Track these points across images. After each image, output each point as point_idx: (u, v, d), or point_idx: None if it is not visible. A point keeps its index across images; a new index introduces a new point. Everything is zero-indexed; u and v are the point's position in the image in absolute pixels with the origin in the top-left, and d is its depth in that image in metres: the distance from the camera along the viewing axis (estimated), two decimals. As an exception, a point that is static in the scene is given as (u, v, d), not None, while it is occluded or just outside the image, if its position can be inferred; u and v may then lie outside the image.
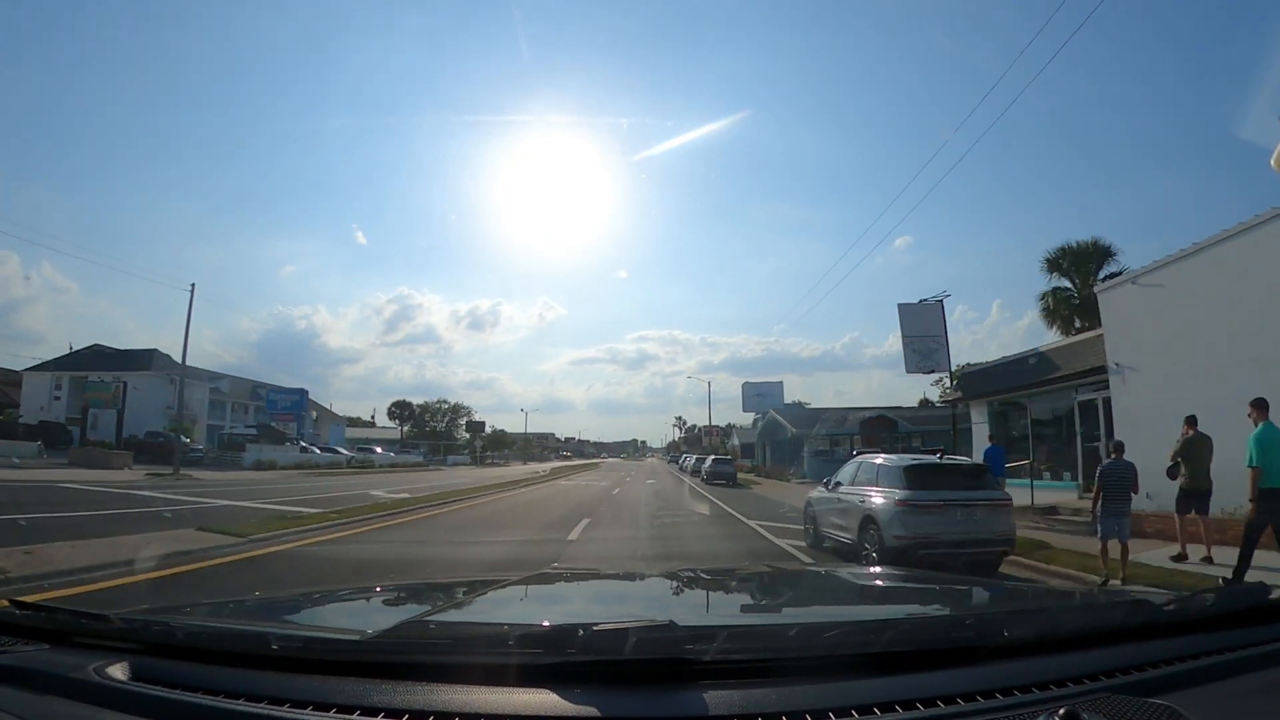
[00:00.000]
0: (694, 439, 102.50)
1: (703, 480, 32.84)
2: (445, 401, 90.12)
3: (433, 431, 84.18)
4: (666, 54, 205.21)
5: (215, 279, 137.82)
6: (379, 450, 53.58)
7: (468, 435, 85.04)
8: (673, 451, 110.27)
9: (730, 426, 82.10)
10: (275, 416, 48.14)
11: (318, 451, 43.24)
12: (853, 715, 0.99)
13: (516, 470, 49.48)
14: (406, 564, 8.15)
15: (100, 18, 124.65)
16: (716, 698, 1.02)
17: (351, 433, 73.69)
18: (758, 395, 52.22)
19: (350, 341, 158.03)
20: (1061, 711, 0.91)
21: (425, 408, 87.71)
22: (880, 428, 34.58)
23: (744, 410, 54.82)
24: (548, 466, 57.97)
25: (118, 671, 1.15)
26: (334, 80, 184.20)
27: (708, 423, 71.50)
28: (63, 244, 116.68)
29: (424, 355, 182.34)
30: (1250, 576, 5.97)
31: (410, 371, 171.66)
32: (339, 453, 46.22)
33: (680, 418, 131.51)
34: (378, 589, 2.54)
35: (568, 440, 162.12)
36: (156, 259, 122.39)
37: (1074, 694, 1.06)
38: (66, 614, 1.35)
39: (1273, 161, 10.08)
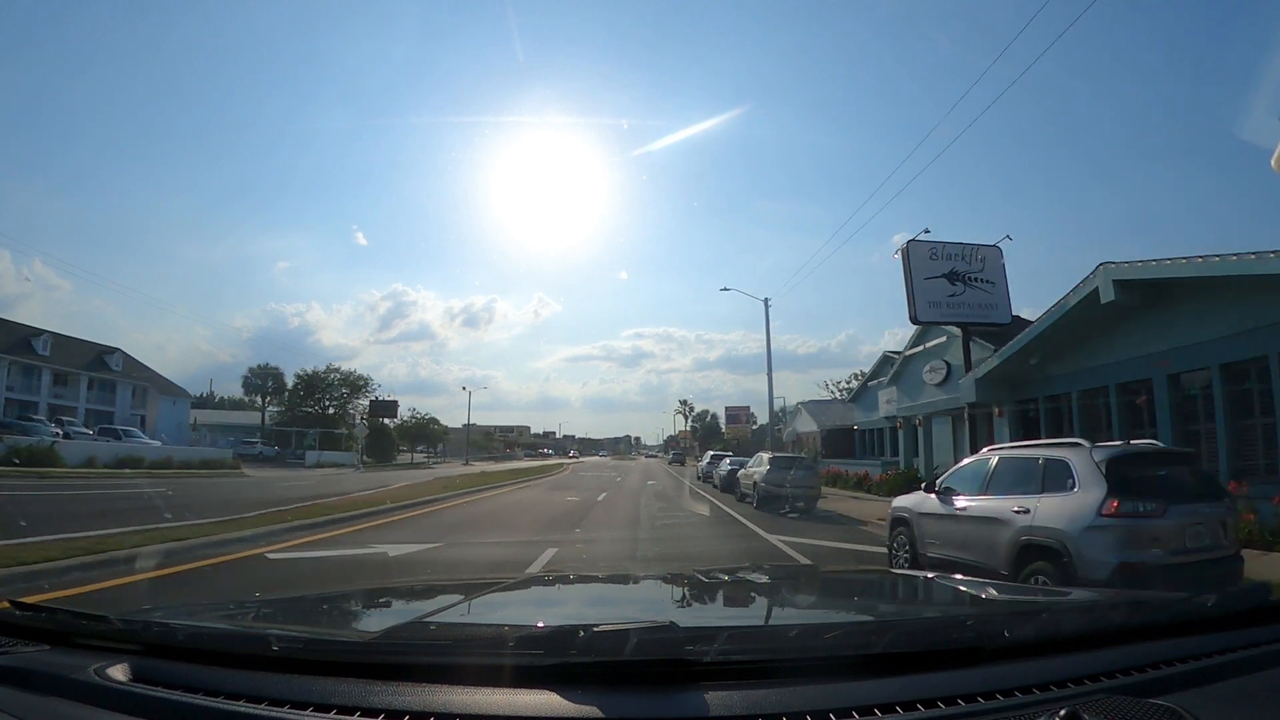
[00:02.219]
0: (708, 429, 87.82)
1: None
2: (336, 370, 59.04)
3: (319, 414, 56.45)
4: (663, 51, 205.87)
5: (210, 276, 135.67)
6: (145, 439, 33.55)
7: (366, 420, 54.23)
8: (674, 448, 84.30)
9: (784, 408, 47.75)
10: None
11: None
12: (853, 716, 0.99)
13: (366, 480, 25.64)
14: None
15: (94, 14, 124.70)
16: (717, 698, 1.02)
17: (213, 417, 58.42)
18: (949, 278, 17.01)
19: (344, 339, 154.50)
20: (1062, 712, 0.91)
21: (309, 380, 57.17)
22: None
23: (917, 318, 17.57)
24: (466, 473, 35.59)
25: (118, 672, 1.15)
26: (330, 77, 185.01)
27: (767, 376, 29.49)
28: (54, 242, 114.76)
29: (418, 352, 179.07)
30: None
31: (404, 369, 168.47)
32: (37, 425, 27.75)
33: (685, 401, 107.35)
34: (379, 590, 2.55)
35: (546, 435, 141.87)
36: (151, 257, 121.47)
37: (1075, 695, 1.06)
38: (67, 615, 1.35)
39: (1273, 163, 10.03)
